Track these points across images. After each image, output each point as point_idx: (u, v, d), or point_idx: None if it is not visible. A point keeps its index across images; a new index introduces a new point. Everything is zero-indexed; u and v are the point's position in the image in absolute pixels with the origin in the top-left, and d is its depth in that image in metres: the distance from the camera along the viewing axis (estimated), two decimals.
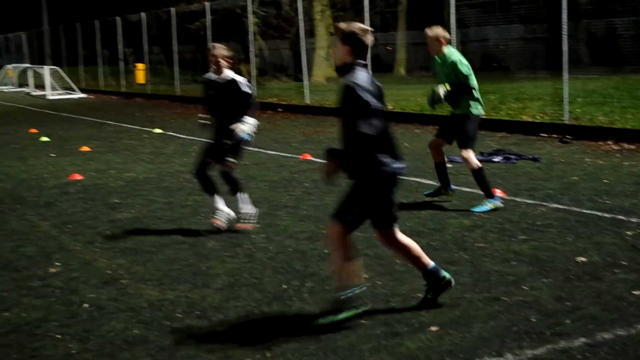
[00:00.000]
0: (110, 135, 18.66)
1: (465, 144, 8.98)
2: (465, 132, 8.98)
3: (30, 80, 41.70)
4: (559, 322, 5.25)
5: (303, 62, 25.10)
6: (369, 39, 5.36)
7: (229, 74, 8.20)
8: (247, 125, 8.21)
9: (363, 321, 5.34)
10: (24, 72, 45.24)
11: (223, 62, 8.21)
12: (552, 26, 24.18)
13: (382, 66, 31.59)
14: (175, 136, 18.04)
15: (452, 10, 18.45)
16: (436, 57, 9.08)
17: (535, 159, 12.48)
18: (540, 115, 17.56)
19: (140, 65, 38.71)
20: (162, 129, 19.39)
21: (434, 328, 5.22)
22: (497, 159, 12.60)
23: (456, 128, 9.11)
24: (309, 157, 13.49)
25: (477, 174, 8.91)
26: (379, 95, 5.36)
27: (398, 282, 6.24)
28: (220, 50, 8.23)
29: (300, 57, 25.63)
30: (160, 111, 26.51)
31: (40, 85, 40.03)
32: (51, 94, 36.82)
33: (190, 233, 8.24)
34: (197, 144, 16.21)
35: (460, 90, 8.91)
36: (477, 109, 9.00)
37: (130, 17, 37.80)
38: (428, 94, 9.18)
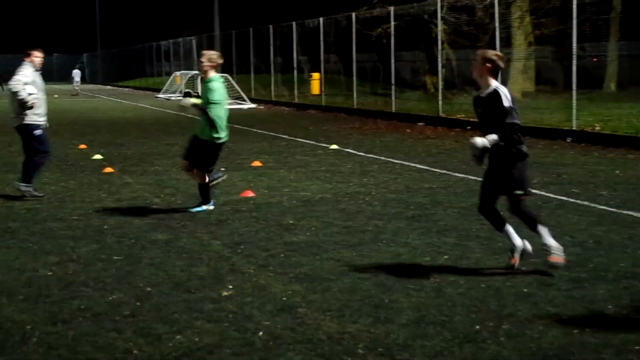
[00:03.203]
0: (283, 150, 19.20)
1: None
2: None
3: (199, 88, 43.48)
4: None
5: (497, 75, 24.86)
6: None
7: (492, 84, 7.81)
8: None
9: None
10: (192, 79, 47.25)
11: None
12: None
13: (590, 81, 30.80)
14: (353, 153, 18.32)
15: None
16: None
17: None
18: None
19: (315, 75, 39.58)
20: (338, 145, 19.74)
21: None
22: None
23: None
24: None
25: None
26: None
27: None
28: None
29: None
30: (336, 125, 26.99)
31: None
32: None
33: (371, 261, 8.36)
34: (377, 162, 16.43)
35: None
36: None
37: (306, 22, 38.71)
38: None
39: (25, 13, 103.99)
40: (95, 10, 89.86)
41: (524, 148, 7.77)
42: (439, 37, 28.42)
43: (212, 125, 10.94)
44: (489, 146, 7.66)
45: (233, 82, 40.69)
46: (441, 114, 27.15)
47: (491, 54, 7.88)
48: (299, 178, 14.44)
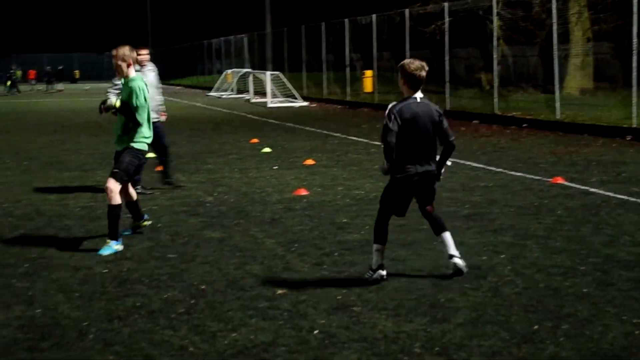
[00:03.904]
0: (335, 148, 19.26)
1: None
2: None
3: (250, 86, 43.75)
4: None
5: (555, 72, 24.69)
6: None
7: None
8: None
9: None
10: (243, 77, 47.56)
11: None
12: None
13: None
14: None
15: None
16: None
17: None
18: None
19: (368, 72, 39.58)
20: None
21: None
22: None
23: None
24: (561, 180, 13.27)
25: None
26: None
27: None
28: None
29: (551, 66, 25.24)
30: None
31: (260, 92, 41.93)
32: (271, 102, 38.46)
33: (427, 260, 8.37)
34: None
35: None
36: None
37: (359, 19, 38.73)
38: None
39: (77, 12, 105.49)
40: (147, 9, 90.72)
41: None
42: (495, 34, 28.24)
43: (134, 130, 9.39)
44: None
45: (285, 79, 40.86)
46: (496, 112, 27.00)
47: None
48: (352, 176, 14.47)
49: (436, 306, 6.81)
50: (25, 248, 9.13)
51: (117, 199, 9.06)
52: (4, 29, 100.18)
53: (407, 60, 7.53)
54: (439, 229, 7.72)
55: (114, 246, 8.92)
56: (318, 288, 7.42)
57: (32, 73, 74.71)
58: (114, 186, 9.10)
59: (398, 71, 7.58)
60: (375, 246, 7.64)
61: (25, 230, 10.12)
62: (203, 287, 7.50)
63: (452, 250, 7.65)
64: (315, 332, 6.22)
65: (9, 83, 58.90)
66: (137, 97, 9.18)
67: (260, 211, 11.25)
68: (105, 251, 8.81)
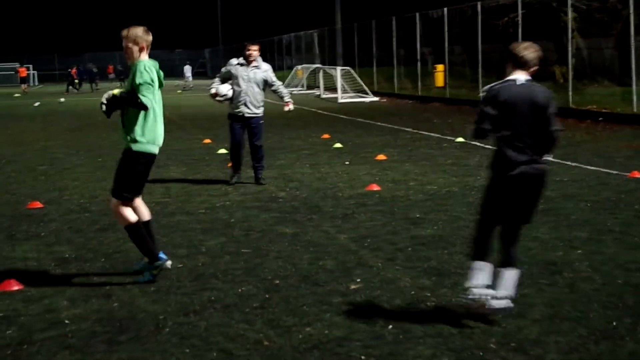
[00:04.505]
0: (407, 143, 19.21)
1: None
2: None
3: (321, 82, 43.86)
4: None
5: (632, 63, 24.27)
6: None
7: None
8: None
9: None
10: (314, 73, 47.69)
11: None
12: None
13: None
14: (480, 146, 18.15)
15: None
16: None
17: None
18: None
19: (439, 67, 39.37)
20: (464, 138, 19.61)
21: None
22: None
23: None
24: (638, 174, 13.06)
25: None
26: None
27: None
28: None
29: (628, 58, 24.80)
30: (461, 118, 26.80)
31: (330, 87, 42.00)
32: (342, 97, 38.51)
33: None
34: None
35: None
36: None
37: (430, 13, 38.55)
38: None
39: (147, 9, 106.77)
40: (217, 6, 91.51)
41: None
42: (569, 26, 27.86)
43: (133, 125, 7.60)
44: None
45: (355, 75, 40.87)
46: (571, 105, 26.64)
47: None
48: (425, 171, 14.43)
49: (512, 302, 6.76)
50: (103, 243, 9.31)
51: (128, 218, 7.63)
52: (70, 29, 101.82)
53: (516, 42, 6.63)
54: (509, 261, 6.44)
55: (161, 265, 7.64)
56: (392, 283, 7.43)
57: (110, 68, 75.75)
58: (116, 207, 7.64)
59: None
60: (473, 264, 6.44)
61: (101, 226, 10.30)
62: (277, 281, 7.56)
63: (505, 290, 6.33)
64: (390, 327, 6.24)
65: (76, 81, 59.66)
66: (140, 75, 7.48)
67: (332, 206, 11.29)
68: (145, 278, 7.64)
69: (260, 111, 13.59)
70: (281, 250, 8.78)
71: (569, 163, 14.97)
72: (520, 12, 30.06)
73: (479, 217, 6.54)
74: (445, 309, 6.61)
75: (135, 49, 7.71)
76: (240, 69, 13.41)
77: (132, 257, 8.55)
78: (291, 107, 14.07)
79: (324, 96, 42.04)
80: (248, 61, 13.42)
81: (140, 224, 7.69)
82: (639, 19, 25.72)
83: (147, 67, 7.56)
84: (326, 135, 21.24)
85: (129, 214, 7.63)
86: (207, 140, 20.59)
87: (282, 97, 13.97)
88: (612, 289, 7.05)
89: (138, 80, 7.48)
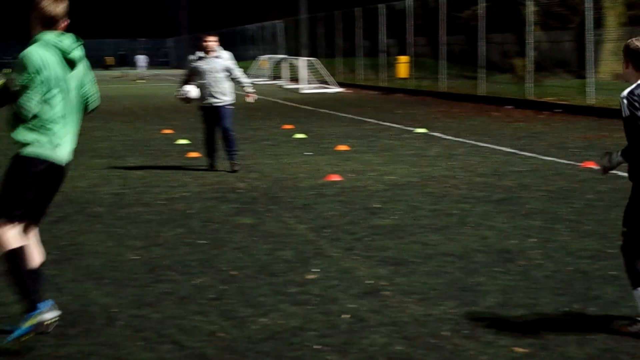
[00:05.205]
0: (369, 134, 19.24)
1: None
2: None
3: (285, 72, 43.77)
4: None
5: (588, 57, 24.46)
6: None
7: None
8: None
9: None
10: (278, 64, 47.58)
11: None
12: None
13: None
14: (440, 137, 18.26)
15: None
16: None
17: None
18: None
19: (402, 58, 39.45)
20: (425, 129, 19.69)
21: None
22: None
23: None
24: (592, 165, 13.18)
25: None
26: None
27: None
28: None
29: (585, 51, 25.00)
30: (423, 109, 26.91)
31: (294, 78, 41.94)
32: (306, 88, 38.47)
33: (457, 244, 8.36)
34: (464, 146, 16.37)
35: None
36: None
37: (394, 4, 38.60)
38: None
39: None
40: None
41: None
42: (529, 19, 28.02)
43: (17, 122, 5.73)
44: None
45: (319, 65, 40.84)
46: (530, 97, 26.81)
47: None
48: (385, 162, 14.46)
49: (465, 290, 6.81)
50: (56, 235, 9.17)
51: (7, 243, 5.69)
52: None
53: (632, 39, 5.68)
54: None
55: (35, 318, 5.57)
56: (349, 273, 7.44)
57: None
58: None
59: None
60: (635, 292, 5.72)
61: (55, 218, 10.16)
62: (234, 272, 7.53)
63: None
64: (345, 316, 6.24)
65: None
66: (17, 69, 5.67)
67: (292, 197, 11.28)
68: (15, 334, 5.57)
69: (228, 98, 13.78)
70: (239, 241, 8.75)
71: (526, 154, 15.08)
72: (482, 5, 30.18)
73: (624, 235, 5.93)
74: (400, 298, 6.63)
75: (36, 23, 5.84)
76: (201, 62, 13.55)
77: (86, 249, 8.49)
78: (253, 98, 14.13)
79: (287, 87, 41.97)
80: (207, 52, 13.54)
81: (22, 252, 5.72)
82: (596, 12, 25.94)
83: (26, 56, 5.65)
84: (288, 126, 21.22)
85: (10, 237, 5.69)
86: (167, 131, 20.47)
87: (243, 87, 14.05)
88: (563, 276, 7.13)
89: (15, 76, 5.69)
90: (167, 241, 8.83)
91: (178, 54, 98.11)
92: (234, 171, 13.51)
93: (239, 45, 70.34)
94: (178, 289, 7.05)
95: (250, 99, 14.24)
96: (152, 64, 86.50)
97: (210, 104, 13.61)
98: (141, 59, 60.70)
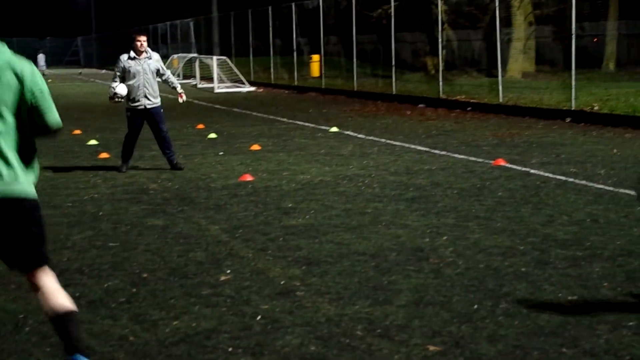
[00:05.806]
0: (282, 133, 19.21)
1: None
2: None
3: (197, 72, 43.44)
4: None
5: (498, 56, 24.87)
6: None
7: None
8: None
9: None
10: (190, 62, 47.19)
11: None
12: None
13: (589, 61, 30.84)
14: (353, 136, 18.32)
15: None
16: None
17: None
18: None
19: (315, 57, 39.54)
20: (338, 128, 19.75)
21: None
22: None
23: None
24: (502, 162, 13.38)
25: None
26: None
27: None
28: None
29: (495, 50, 25.41)
30: (336, 108, 26.99)
31: (207, 77, 41.65)
32: (219, 87, 38.25)
33: (371, 243, 8.38)
34: (377, 144, 16.45)
35: None
36: None
37: (306, 3, 38.63)
38: None
39: None
40: None
41: None
42: (440, 18, 28.35)
43: None
44: None
45: (232, 64, 40.63)
46: (442, 96, 27.13)
47: None
48: (298, 161, 14.44)
49: (378, 289, 6.83)
50: None
51: None
52: None
53: None
54: None
55: None
56: (262, 274, 7.39)
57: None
58: None
59: None
60: None
61: None
62: (145, 275, 7.42)
63: None
64: (258, 317, 6.19)
65: None
66: None
67: (205, 198, 11.18)
68: None
69: (159, 100, 13.70)
70: (150, 243, 8.62)
71: (438, 152, 15.23)
72: (393, 3, 30.42)
73: None
74: (314, 298, 6.61)
75: None
76: (133, 62, 13.43)
77: None
78: (184, 98, 14.42)
79: (200, 86, 41.66)
80: (138, 52, 13.41)
81: None
82: (505, 12, 26.40)
83: None
84: (201, 126, 21.07)
85: None
86: (77, 131, 20.10)
87: (174, 88, 14.08)
88: (475, 273, 7.20)
89: None
90: (77, 244, 8.65)
91: (86, 52, 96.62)
92: (181, 169, 13.61)
93: (150, 44, 69.67)
94: (87, 292, 6.91)
95: (183, 98, 14.38)
96: (62, 63, 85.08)
97: (144, 105, 13.47)
98: (40, 58, 59.60)
